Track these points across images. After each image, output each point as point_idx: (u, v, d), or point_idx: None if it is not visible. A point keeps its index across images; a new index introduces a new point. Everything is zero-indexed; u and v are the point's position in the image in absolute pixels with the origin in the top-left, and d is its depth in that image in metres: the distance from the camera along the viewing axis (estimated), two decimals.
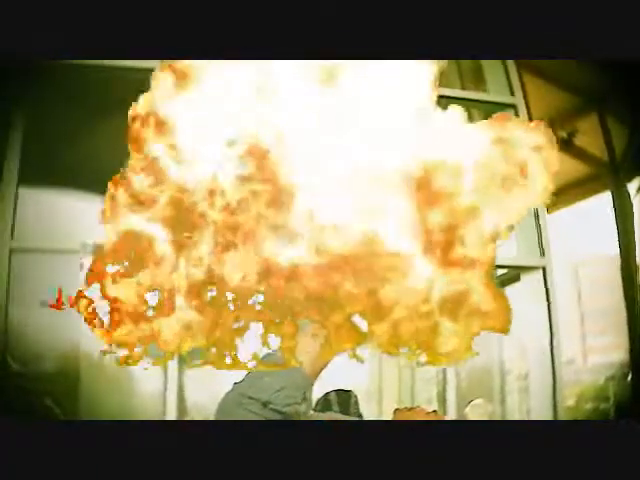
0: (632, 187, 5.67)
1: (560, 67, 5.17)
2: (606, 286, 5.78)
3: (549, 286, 5.23)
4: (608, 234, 5.74)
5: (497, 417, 5.09)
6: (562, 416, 4.80)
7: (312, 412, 2.53)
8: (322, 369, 1.76)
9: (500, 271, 5.46)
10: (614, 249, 5.70)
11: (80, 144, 4.57)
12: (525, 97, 5.35)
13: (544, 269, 5.24)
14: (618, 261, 5.68)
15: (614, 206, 5.71)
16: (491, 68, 5.56)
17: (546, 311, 5.19)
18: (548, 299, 5.21)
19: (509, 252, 5.18)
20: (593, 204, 5.89)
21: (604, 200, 5.80)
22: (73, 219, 4.71)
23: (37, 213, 4.76)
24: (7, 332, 4.44)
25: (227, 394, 1.75)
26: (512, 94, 5.38)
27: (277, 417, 1.69)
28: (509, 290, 5.35)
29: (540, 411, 4.97)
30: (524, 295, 5.28)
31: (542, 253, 5.25)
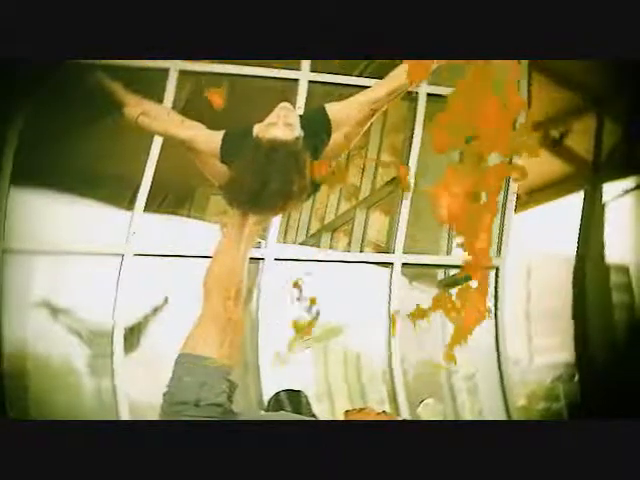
0: (609, 188, 5.60)
1: (566, 66, 5.09)
2: (556, 287, 5.77)
3: (499, 286, 5.22)
4: (570, 235, 5.69)
5: (449, 417, 5.12)
6: (515, 416, 4.85)
7: (263, 412, 2.52)
8: None
9: (453, 271, 5.46)
10: (572, 250, 5.67)
11: (75, 146, 4.50)
12: (529, 93, 5.27)
13: (497, 269, 5.22)
14: (572, 263, 5.65)
15: (584, 206, 5.65)
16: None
17: (493, 311, 5.20)
18: (496, 299, 5.20)
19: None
20: (563, 204, 5.82)
21: (574, 201, 5.72)
22: (65, 221, 4.62)
23: (28, 214, 4.66)
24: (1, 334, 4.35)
25: (161, 408, 1.75)
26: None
27: (215, 411, 1.69)
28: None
29: (492, 411, 5.01)
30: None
31: (498, 252, 5.22)
